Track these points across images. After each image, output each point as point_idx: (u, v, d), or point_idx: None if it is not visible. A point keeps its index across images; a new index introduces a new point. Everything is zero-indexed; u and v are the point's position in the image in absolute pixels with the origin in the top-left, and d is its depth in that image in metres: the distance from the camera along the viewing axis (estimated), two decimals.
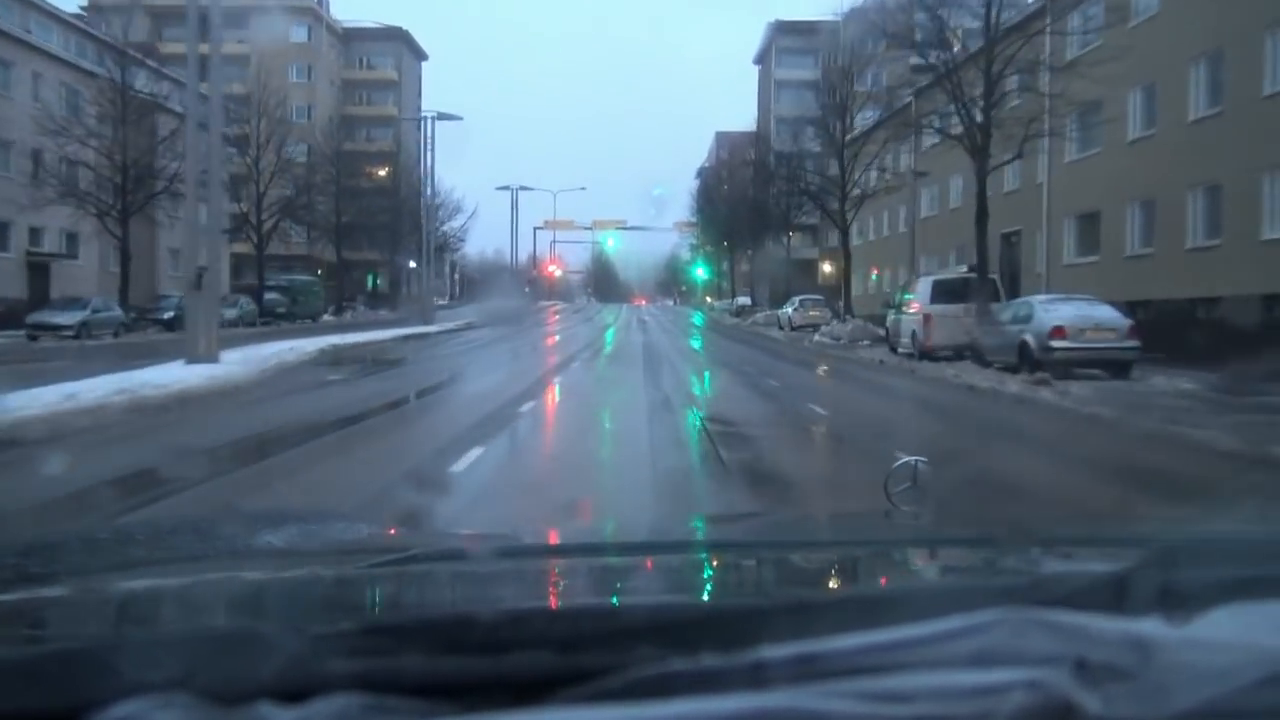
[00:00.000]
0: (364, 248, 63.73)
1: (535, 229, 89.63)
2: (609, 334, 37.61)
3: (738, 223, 63.50)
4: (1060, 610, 0.65)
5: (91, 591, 1.11)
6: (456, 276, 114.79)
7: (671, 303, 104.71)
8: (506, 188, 70.40)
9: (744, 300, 62.10)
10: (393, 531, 2.14)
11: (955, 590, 1.04)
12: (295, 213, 47.79)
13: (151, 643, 0.75)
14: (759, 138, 60.79)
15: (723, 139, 72.56)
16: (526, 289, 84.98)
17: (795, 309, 40.06)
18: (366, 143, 72.13)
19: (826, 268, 66.17)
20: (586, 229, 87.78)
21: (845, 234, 37.92)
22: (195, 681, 0.62)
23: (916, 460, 1.66)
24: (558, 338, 34.66)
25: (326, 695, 0.60)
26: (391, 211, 62.89)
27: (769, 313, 47.89)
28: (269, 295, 44.66)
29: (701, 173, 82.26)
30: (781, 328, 39.75)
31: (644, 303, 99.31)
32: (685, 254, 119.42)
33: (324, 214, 53.88)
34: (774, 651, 0.62)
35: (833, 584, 1.26)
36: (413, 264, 67.37)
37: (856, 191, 37.56)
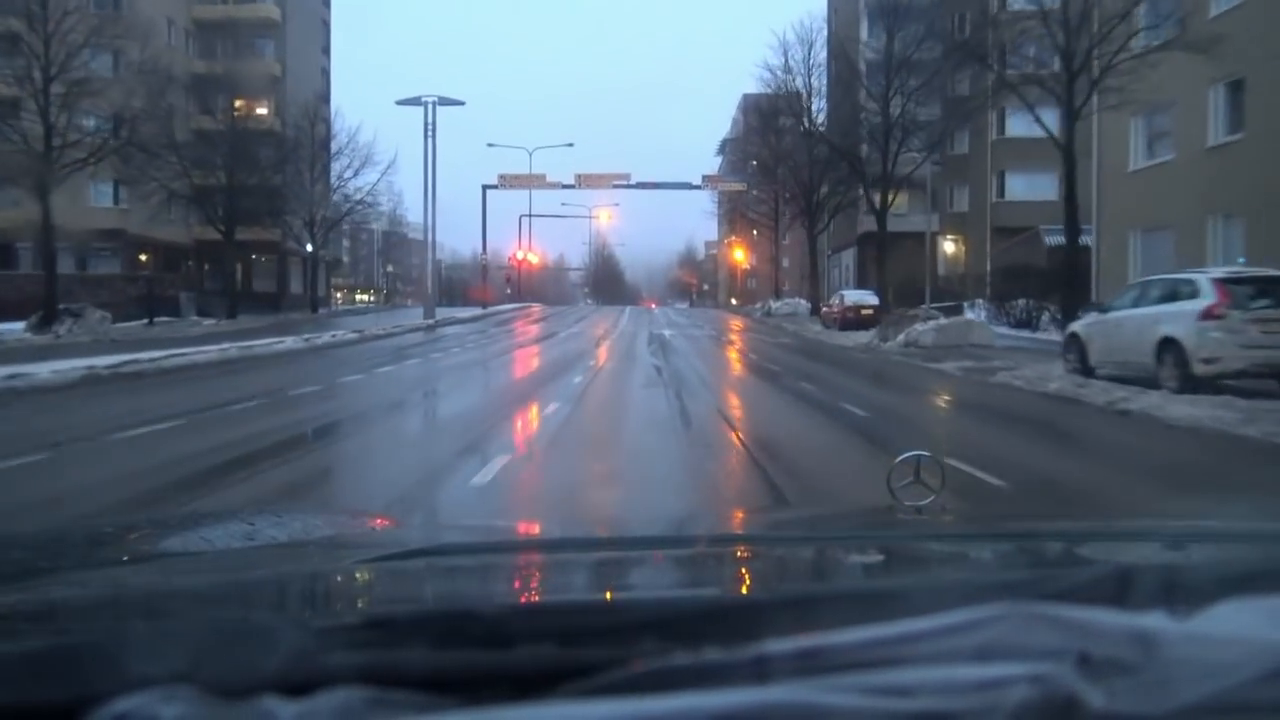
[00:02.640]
0: (242, 221, 42.73)
1: (484, 187, 57.84)
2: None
3: (814, 177, 42.27)
4: (1063, 604, 0.65)
5: (95, 585, 1.12)
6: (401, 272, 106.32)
7: (686, 304, 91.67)
8: (416, 101, 40.57)
9: (861, 297, 33.50)
10: (396, 525, 2.16)
11: (958, 584, 1.04)
12: None
13: (156, 636, 0.75)
14: (836, 40, 40.94)
15: (749, 103, 56.00)
16: (508, 288, 66.67)
17: (1241, 329, 11.88)
18: (237, 60, 44.41)
19: (949, 247, 42.68)
20: (568, 187, 57.65)
21: None
22: (199, 675, 0.63)
23: (919, 455, 1.65)
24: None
25: (330, 688, 0.60)
26: (276, 166, 42.71)
27: (943, 321, 23.89)
28: None
29: (724, 146, 65.56)
30: (1162, 383, 12.23)
31: (654, 305, 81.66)
32: (701, 251, 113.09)
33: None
34: (776, 646, 0.62)
35: (835, 578, 1.26)
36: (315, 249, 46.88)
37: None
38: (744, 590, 1.15)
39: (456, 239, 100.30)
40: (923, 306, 28.76)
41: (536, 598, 1.07)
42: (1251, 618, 0.66)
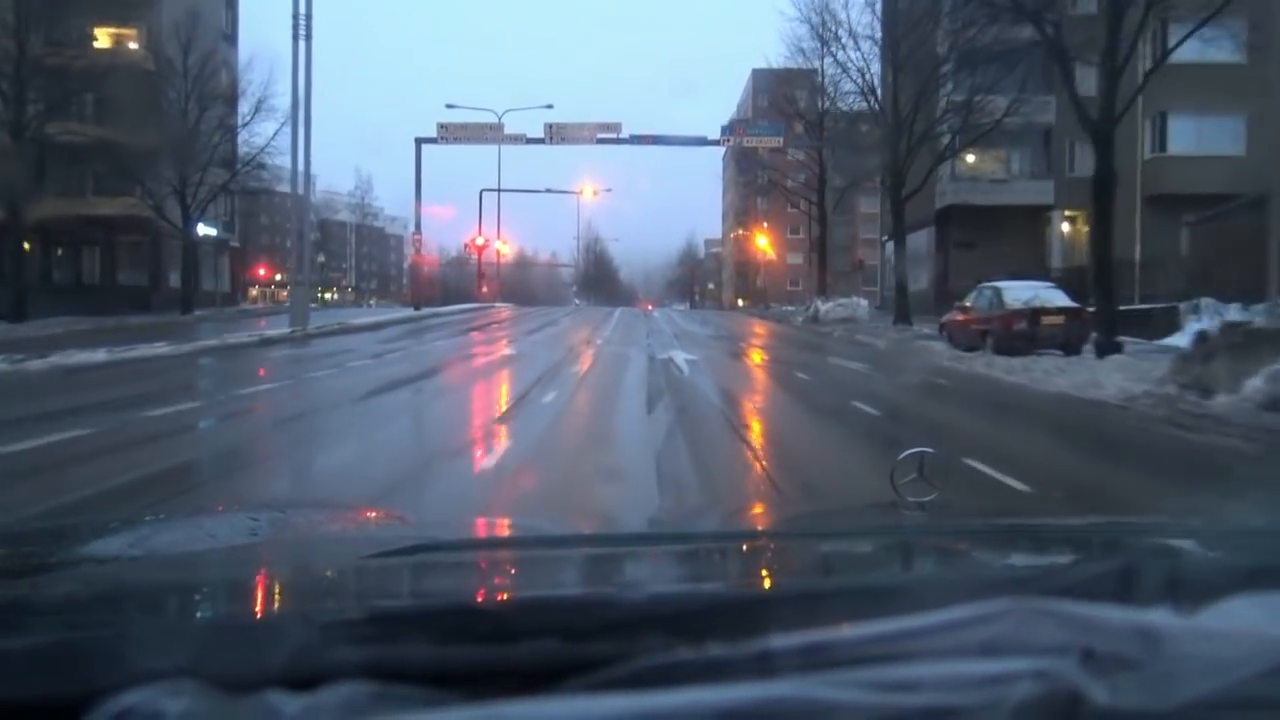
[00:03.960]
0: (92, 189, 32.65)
1: (418, 140, 42.45)
2: None
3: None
4: (1068, 600, 0.65)
5: (101, 580, 1.13)
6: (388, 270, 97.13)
7: (686, 305, 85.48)
8: None
9: (1037, 292, 18.67)
10: (399, 520, 2.17)
11: (963, 580, 1.04)
12: None
13: (161, 631, 0.75)
14: None
15: (761, 79, 48.49)
16: (483, 286, 55.66)
17: None
18: None
19: (1065, 226, 28.50)
20: (535, 141, 41.80)
21: None
22: (204, 669, 0.63)
23: (923, 451, 1.65)
24: None
25: (334, 683, 0.60)
26: (140, 112, 31.62)
27: None
28: None
29: (731, 128, 55.91)
30: None
31: (650, 307, 69.94)
32: (703, 249, 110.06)
33: None
34: (781, 641, 0.62)
35: (839, 573, 1.26)
36: (207, 230, 35.94)
37: None
38: (748, 585, 1.15)
39: (457, 236, 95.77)
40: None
41: (540, 593, 1.07)
42: (1256, 613, 0.66)
